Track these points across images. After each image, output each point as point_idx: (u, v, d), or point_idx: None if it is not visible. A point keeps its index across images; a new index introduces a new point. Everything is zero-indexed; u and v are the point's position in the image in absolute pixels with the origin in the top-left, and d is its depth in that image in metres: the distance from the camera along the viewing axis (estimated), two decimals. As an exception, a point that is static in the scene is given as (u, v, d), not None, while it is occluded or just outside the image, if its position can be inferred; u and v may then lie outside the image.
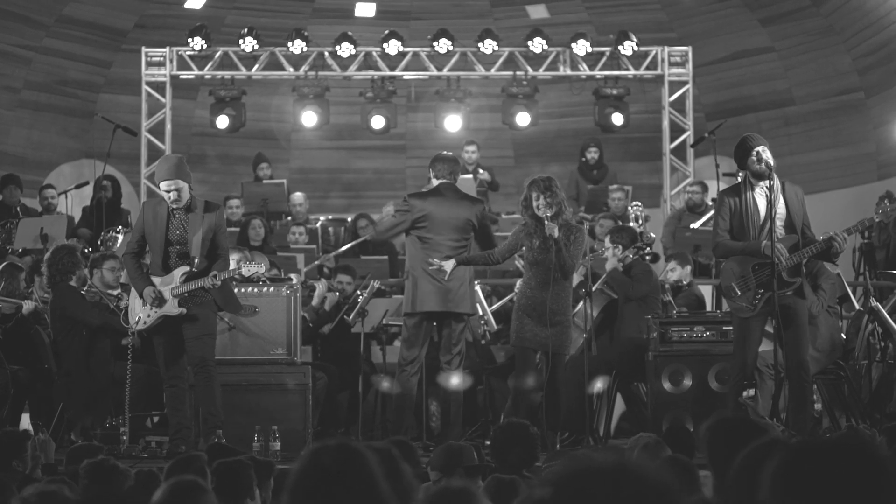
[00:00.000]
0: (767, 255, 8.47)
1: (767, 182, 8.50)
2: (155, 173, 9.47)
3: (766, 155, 8.51)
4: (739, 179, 9.07)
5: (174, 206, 8.86)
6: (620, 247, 10.34)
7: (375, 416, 11.26)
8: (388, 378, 9.44)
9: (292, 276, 11.05)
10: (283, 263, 12.39)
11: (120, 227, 12.23)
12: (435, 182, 9.71)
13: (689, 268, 11.28)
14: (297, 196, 15.32)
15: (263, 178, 15.81)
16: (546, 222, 9.10)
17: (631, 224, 12.86)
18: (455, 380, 9.44)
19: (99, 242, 11.75)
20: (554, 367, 9.28)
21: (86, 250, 11.38)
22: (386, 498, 2.73)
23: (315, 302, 11.24)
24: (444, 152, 10.06)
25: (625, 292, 10.20)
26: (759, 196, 8.57)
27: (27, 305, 10.14)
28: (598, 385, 9.89)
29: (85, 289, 10.09)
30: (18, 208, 13.29)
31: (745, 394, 9.19)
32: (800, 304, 8.59)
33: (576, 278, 10.25)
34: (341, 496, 2.68)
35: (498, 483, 4.87)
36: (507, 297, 11.14)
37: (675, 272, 11.11)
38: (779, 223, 8.52)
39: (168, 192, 8.83)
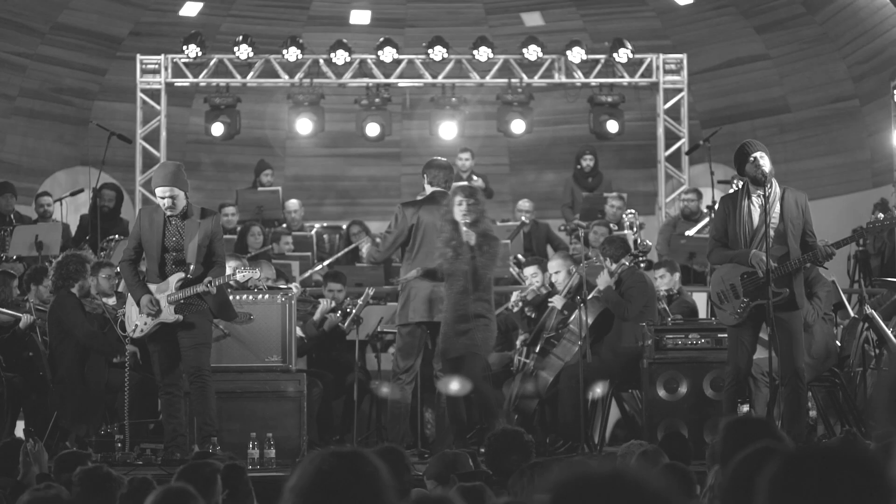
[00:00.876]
0: (753, 264, 8.47)
1: (765, 189, 8.48)
2: (152, 179, 9.47)
3: (764, 162, 8.50)
4: (735, 187, 9.06)
5: (169, 213, 8.86)
6: (608, 259, 10.31)
7: (370, 423, 11.25)
8: (387, 383, 9.44)
9: (293, 286, 11.04)
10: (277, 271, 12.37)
11: (117, 235, 12.24)
12: (429, 189, 9.71)
13: (677, 275, 11.28)
14: (293, 203, 15.32)
15: (267, 185, 15.79)
16: (463, 229, 9.09)
17: (625, 232, 12.86)
18: (455, 385, 9.44)
19: (101, 250, 11.74)
20: (472, 366, 9.24)
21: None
22: None
23: (317, 317, 11.20)
24: (438, 158, 10.04)
25: (620, 315, 10.15)
26: (755, 204, 8.56)
27: (25, 319, 10.14)
28: (598, 391, 9.88)
29: (88, 299, 10.06)
30: (12, 216, 13.28)
31: (740, 410, 9.19)
32: (789, 315, 8.54)
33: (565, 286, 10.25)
34: (347, 502, 2.67)
35: (464, 491, 4.88)
36: (503, 307, 11.13)
37: (664, 279, 11.09)
38: (772, 233, 8.50)
39: (163, 198, 8.84)
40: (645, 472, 2.09)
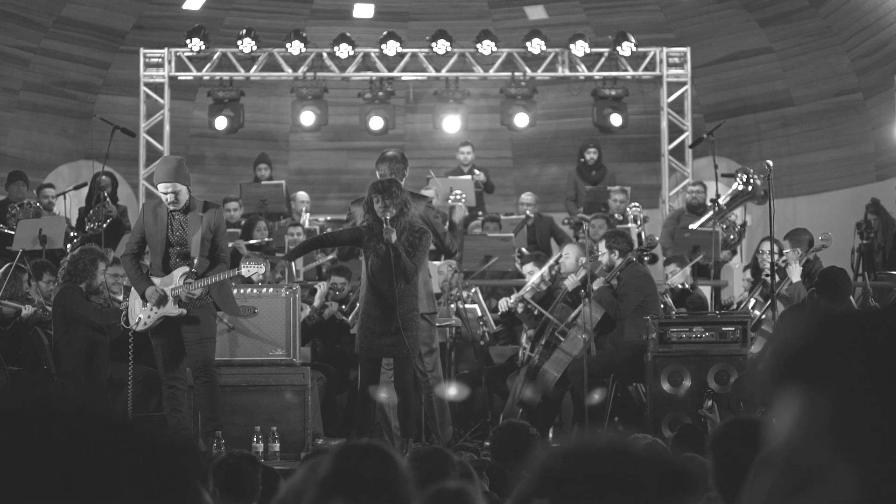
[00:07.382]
0: None
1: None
2: (154, 175, 9.48)
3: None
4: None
5: (172, 209, 8.87)
6: (617, 251, 10.29)
7: (374, 417, 11.25)
8: (385, 389, 9.43)
9: (318, 285, 11.08)
10: (282, 263, 12.35)
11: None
12: None
13: (688, 269, 11.29)
14: (302, 195, 15.30)
15: (261, 179, 15.80)
16: (384, 227, 8.75)
17: (630, 225, 12.86)
18: (452, 391, 9.42)
19: (88, 229, 11.74)
20: (403, 370, 9.05)
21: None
22: (409, 500, 2.76)
23: (316, 303, 11.20)
24: (388, 152, 9.86)
25: (613, 315, 10.12)
26: None
27: (26, 310, 10.15)
28: (596, 397, 9.89)
29: (95, 297, 10.09)
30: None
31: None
32: None
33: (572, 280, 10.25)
34: (370, 497, 2.70)
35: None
36: (507, 304, 11.14)
37: (676, 275, 11.09)
38: None
39: (166, 194, 8.85)
40: (650, 446, 1.96)
